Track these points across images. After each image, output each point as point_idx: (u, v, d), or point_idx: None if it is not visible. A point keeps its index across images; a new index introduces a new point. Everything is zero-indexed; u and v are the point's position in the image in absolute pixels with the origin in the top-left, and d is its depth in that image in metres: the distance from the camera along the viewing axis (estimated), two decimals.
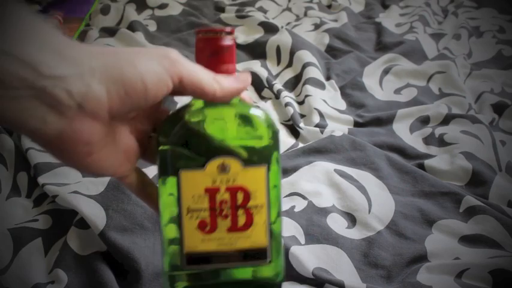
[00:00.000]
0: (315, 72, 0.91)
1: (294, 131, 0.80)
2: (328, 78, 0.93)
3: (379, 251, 0.55)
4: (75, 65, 0.27)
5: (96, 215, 0.53)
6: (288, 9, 1.27)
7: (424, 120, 0.78)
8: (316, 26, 1.13)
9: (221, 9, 1.26)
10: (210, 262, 0.34)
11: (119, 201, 0.56)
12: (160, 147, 0.34)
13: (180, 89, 0.31)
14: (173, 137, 0.33)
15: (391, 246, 0.55)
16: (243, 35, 1.08)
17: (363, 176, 0.65)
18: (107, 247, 0.52)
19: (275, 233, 0.36)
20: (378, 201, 0.61)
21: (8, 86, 0.25)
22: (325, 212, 0.59)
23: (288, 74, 0.94)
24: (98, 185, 0.58)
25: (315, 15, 1.19)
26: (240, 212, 0.34)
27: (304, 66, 0.92)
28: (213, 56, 0.34)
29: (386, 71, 0.93)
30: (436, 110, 0.78)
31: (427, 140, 0.74)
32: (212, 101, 0.33)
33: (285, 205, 0.60)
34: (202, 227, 0.34)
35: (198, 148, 0.34)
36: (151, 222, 0.55)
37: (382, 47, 1.06)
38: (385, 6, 1.30)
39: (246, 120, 0.34)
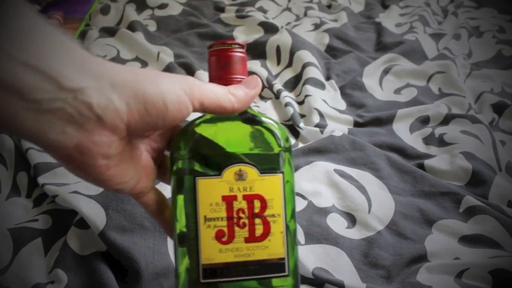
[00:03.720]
0: (314, 72, 0.91)
1: (294, 131, 0.80)
2: (328, 78, 0.93)
3: (379, 251, 0.55)
4: (96, 78, 0.27)
5: (96, 214, 0.53)
6: (288, 9, 1.27)
7: (424, 120, 0.78)
8: (316, 26, 1.13)
9: (221, 9, 1.26)
10: (228, 275, 0.33)
11: (118, 201, 0.56)
12: (175, 163, 0.34)
13: (199, 110, 0.32)
14: (188, 150, 0.33)
15: (391, 246, 0.55)
16: (243, 35, 1.08)
17: (363, 176, 0.65)
18: (107, 247, 0.52)
19: (290, 231, 0.35)
20: (378, 201, 0.61)
21: (28, 98, 0.25)
22: (325, 212, 0.59)
23: (288, 74, 0.94)
24: None
25: (315, 15, 1.19)
26: (257, 221, 0.34)
27: (304, 66, 0.92)
28: (226, 67, 0.35)
29: (386, 71, 0.93)
30: (436, 110, 0.78)
31: (427, 140, 0.74)
32: (231, 114, 0.33)
33: None
34: (219, 237, 0.33)
35: (213, 159, 0.34)
36: (151, 222, 0.55)
37: (382, 47, 1.06)
38: (385, 6, 1.30)
39: (257, 129, 0.35)
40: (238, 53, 0.35)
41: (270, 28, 1.06)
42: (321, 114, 0.80)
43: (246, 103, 0.33)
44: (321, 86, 0.89)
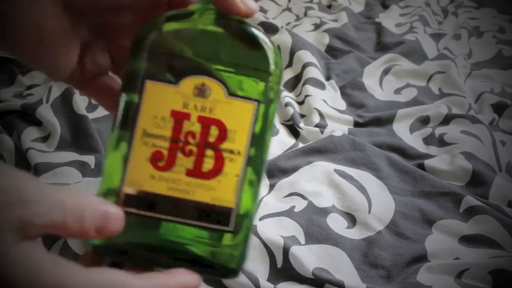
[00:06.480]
0: (315, 72, 0.91)
1: (294, 131, 0.80)
2: (328, 78, 0.93)
3: (379, 251, 0.55)
4: None
5: None
6: (288, 9, 1.27)
7: (424, 120, 0.78)
8: (316, 26, 1.13)
9: None
10: (154, 209, 0.26)
11: None
12: (131, 58, 0.27)
13: None
14: (148, 46, 0.27)
15: (391, 246, 0.55)
16: None
17: (363, 176, 0.65)
18: None
19: (253, 180, 0.27)
20: (378, 201, 0.61)
21: None
22: (325, 212, 0.59)
23: (288, 74, 0.94)
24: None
25: (315, 15, 1.19)
26: (209, 153, 0.27)
27: (304, 66, 0.92)
28: None
29: (386, 71, 0.93)
30: (436, 110, 0.78)
31: (427, 140, 0.74)
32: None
33: (285, 205, 0.60)
34: (155, 160, 0.26)
35: (174, 63, 0.27)
36: None
37: (382, 47, 1.06)
38: (385, 6, 1.30)
39: (244, 41, 0.28)
40: None
41: (270, 28, 1.06)
42: (321, 114, 0.80)
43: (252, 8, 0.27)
44: (321, 86, 0.89)
